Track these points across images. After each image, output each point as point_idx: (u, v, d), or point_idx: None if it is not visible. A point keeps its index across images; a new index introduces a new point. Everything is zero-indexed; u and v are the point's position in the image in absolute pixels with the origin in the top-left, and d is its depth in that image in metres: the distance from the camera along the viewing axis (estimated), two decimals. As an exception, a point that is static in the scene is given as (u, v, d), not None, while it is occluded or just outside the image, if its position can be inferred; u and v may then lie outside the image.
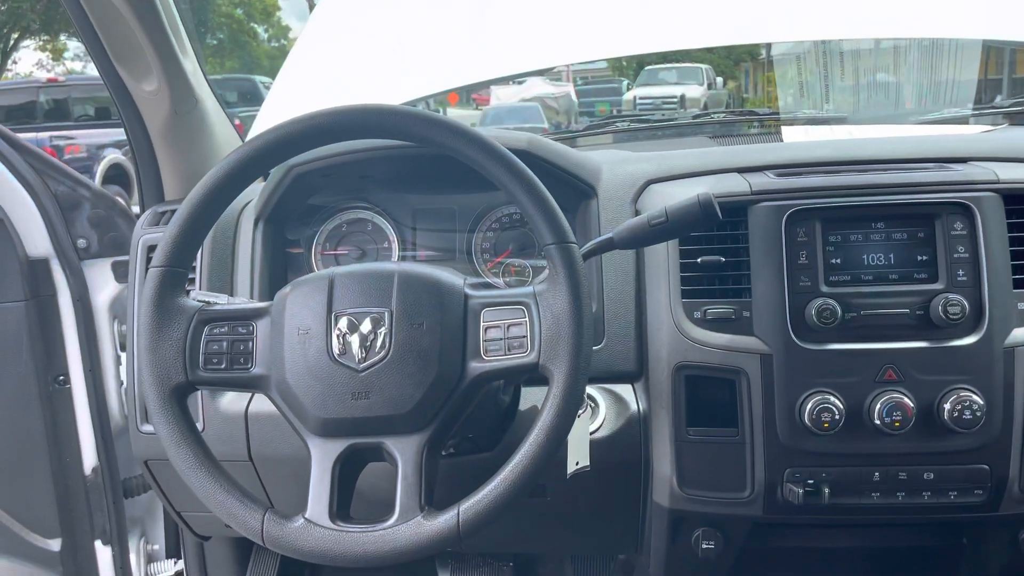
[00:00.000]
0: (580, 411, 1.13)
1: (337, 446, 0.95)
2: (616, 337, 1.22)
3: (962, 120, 1.62)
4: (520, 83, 16.57)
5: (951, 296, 1.07)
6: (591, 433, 1.18)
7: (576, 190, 1.27)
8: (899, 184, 1.13)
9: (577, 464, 1.14)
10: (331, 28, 2.04)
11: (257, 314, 0.99)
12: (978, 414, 1.06)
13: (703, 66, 17.36)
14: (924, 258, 1.11)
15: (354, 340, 0.95)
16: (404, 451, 0.95)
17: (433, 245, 1.37)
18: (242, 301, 1.11)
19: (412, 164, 1.30)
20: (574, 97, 16.83)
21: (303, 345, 0.96)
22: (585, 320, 0.93)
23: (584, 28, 1.98)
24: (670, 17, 1.94)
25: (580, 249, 0.99)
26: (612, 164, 1.29)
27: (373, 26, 2.00)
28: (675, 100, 14.79)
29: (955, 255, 1.09)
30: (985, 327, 1.07)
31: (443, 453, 1.14)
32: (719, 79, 17.77)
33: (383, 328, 0.95)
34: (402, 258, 1.37)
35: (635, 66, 20.14)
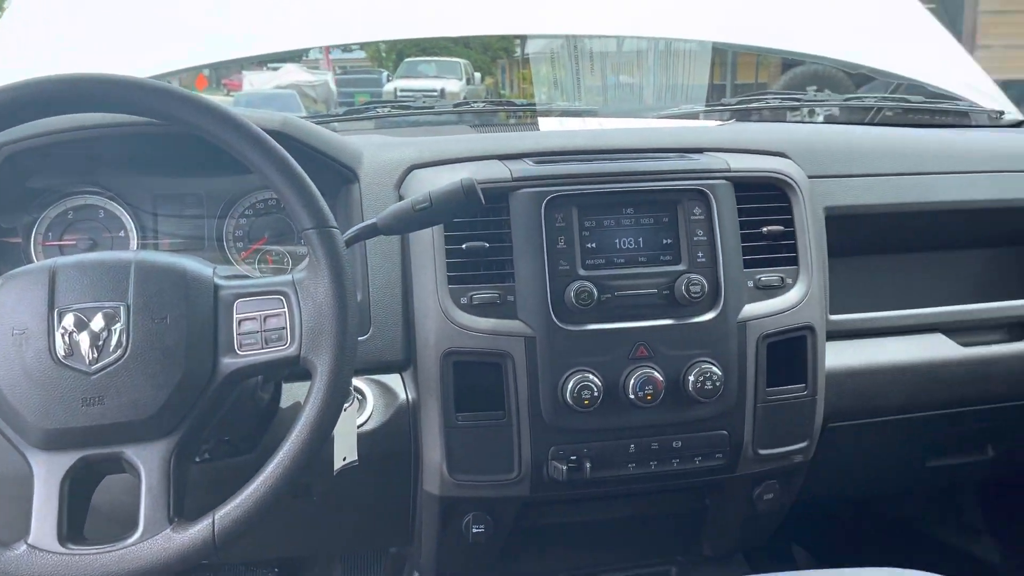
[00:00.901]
0: (347, 404, 1.10)
1: (65, 460, 0.84)
2: (383, 326, 1.19)
3: (695, 116, 1.77)
4: (275, 69, 15.92)
5: (692, 276, 1.15)
6: (359, 426, 1.14)
7: (336, 175, 1.22)
8: (646, 172, 1.19)
9: (344, 460, 1.10)
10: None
11: None
12: (717, 384, 1.15)
13: (461, 61, 17.72)
14: (668, 241, 1.18)
15: (83, 339, 0.84)
16: (148, 460, 0.85)
17: (178, 233, 1.26)
18: None
19: (151, 144, 1.18)
20: (333, 86, 16.46)
21: (18, 347, 0.83)
22: (349, 309, 0.89)
23: (338, 9, 1.92)
24: (427, 3, 1.93)
25: (343, 235, 0.95)
26: (374, 149, 1.26)
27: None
28: (435, 93, 14.96)
29: (695, 238, 1.18)
30: (721, 304, 1.17)
31: (196, 459, 1.05)
32: (477, 75, 18.22)
33: (118, 324, 0.85)
34: (142, 248, 1.24)
35: (395, 57, 20.11)
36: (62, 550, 0.82)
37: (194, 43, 1.82)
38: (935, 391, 1.33)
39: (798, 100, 1.82)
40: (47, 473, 0.84)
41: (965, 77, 1.95)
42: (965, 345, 1.34)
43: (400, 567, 1.61)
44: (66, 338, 0.84)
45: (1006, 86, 1.97)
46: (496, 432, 1.15)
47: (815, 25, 2.03)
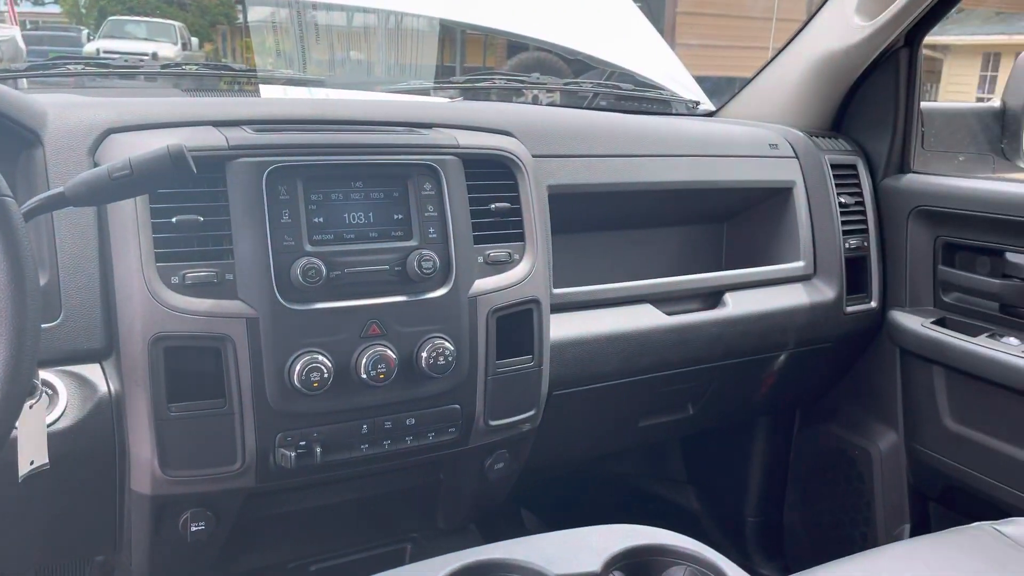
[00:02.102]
0: (31, 400, 0.95)
1: None
2: (76, 311, 1.05)
3: (425, 92, 1.76)
4: (-56, 20, 13.67)
5: (424, 252, 1.14)
6: (49, 425, 1.00)
7: (15, 136, 1.05)
8: (375, 145, 1.16)
9: (32, 464, 0.95)
10: None
11: None
12: (450, 359, 1.15)
13: (176, 23, 16.38)
14: (399, 216, 1.16)
15: None
16: None
17: None
18: None
19: None
20: (21, 44, 14.47)
21: None
22: (28, 289, 0.77)
23: None
24: None
25: (23, 205, 0.82)
26: (61, 108, 1.10)
27: None
28: (146, 56, 13.70)
29: (426, 213, 1.16)
30: (453, 279, 1.17)
31: None
32: (194, 40, 16.95)
33: None
34: None
35: (96, 15, 18.11)
36: None
37: None
38: (646, 356, 1.44)
39: (522, 82, 1.88)
40: None
41: (668, 70, 2.14)
42: (669, 314, 1.46)
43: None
44: None
45: (700, 81, 2.19)
46: (215, 422, 1.07)
47: (539, 11, 2.11)
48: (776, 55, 1.79)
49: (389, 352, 1.11)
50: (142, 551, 1.17)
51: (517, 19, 2.01)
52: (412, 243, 1.15)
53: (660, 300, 1.47)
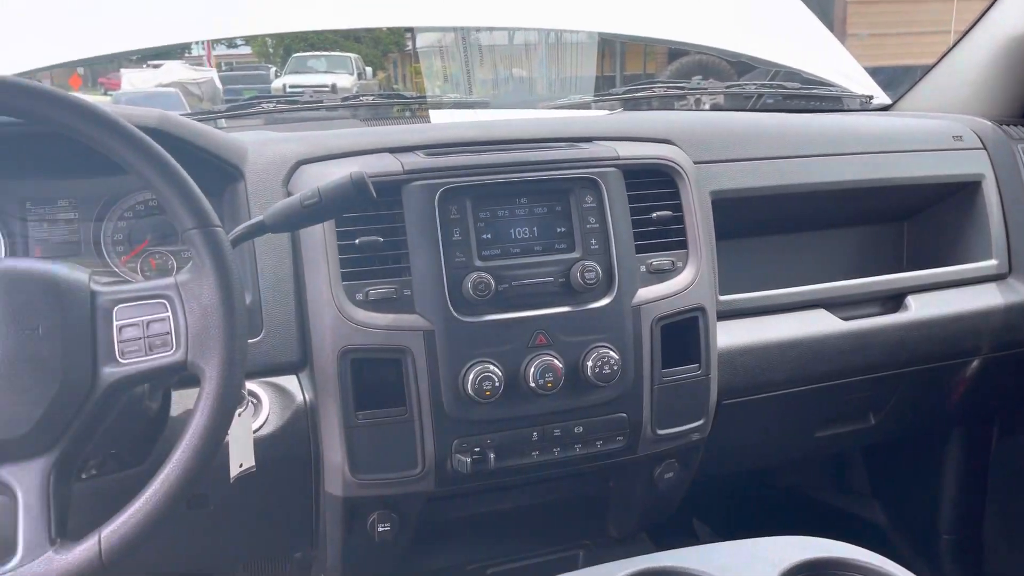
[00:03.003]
0: (240, 409, 1.06)
1: None
2: (276, 327, 1.16)
3: (585, 106, 1.79)
4: (156, 67, 15.26)
5: (587, 263, 1.17)
6: (255, 431, 1.11)
7: (220, 172, 1.17)
8: (537, 161, 1.20)
9: (241, 466, 1.06)
10: None
11: None
12: (615, 368, 1.17)
13: (352, 55, 17.42)
14: (562, 229, 1.19)
15: None
16: (24, 479, 0.80)
17: (51, 239, 1.19)
18: None
19: (16, 145, 1.11)
20: (219, 84, 15.92)
21: None
22: (237, 310, 0.86)
23: (220, 1, 1.85)
24: None
25: (229, 235, 0.92)
26: (259, 144, 1.22)
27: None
28: (326, 88, 14.64)
29: (587, 225, 1.19)
30: (616, 289, 1.18)
31: (83, 476, 1.00)
32: (368, 69, 17.95)
33: None
34: (11, 256, 1.16)
35: (282, 53, 19.59)
36: None
37: (64, 37, 1.72)
38: (820, 364, 1.39)
39: (682, 88, 1.87)
40: None
41: (837, 64, 2.05)
42: (845, 319, 1.40)
43: (306, 572, 1.57)
44: None
45: (874, 72, 2.08)
46: (398, 429, 1.14)
47: (698, 16, 2.09)
48: (959, 40, 1.68)
49: (556, 361, 1.15)
50: (335, 549, 1.27)
51: (675, 26, 2.00)
52: (575, 255, 1.18)
53: (835, 305, 1.42)
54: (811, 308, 1.40)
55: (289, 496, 1.23)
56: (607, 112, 1.71)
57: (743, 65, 2.29)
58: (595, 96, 1.83)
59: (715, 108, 1.97)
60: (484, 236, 1.16)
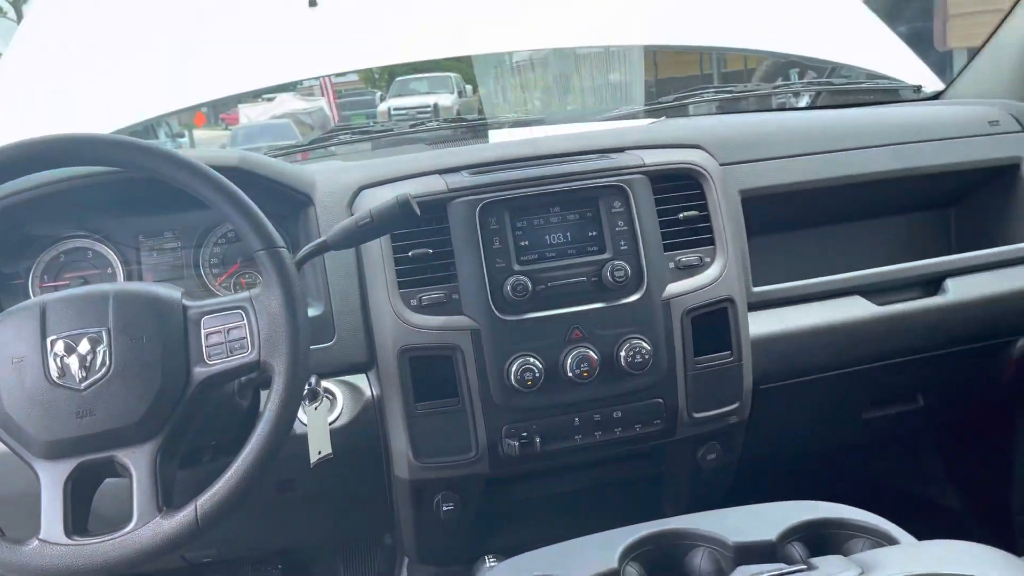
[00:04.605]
0: (316, 403, 1.24)
1: (66, 466, 0.98)
2: (346, 332, 1.33)
3: (634, 116, 1.90)
4: (270, 100, 16.16)
5: (616, 263, 1.29)
6: (331, 423, 1.28)
7: (293, 201, 1.36)
8: (568, 173, 1.33)
9: (320, 453, 1.24)
10: (40, 49, 1.97)
11: None
12: (647, 357, 1.28)
13: (452, 75, 17.87)
14: (593, 234, 1.31)
15: (72, 361, 0.98)
16: (137, 460, 0.99)
17: (160, 266, 1.41)
18: None
19: (130, 188, 1.33)
20: (328, 111, 16.66)
21: (19, 373, 0.98)
22: (299, 317, 1.03)
23: (326, 41, 2.06)
24: (412, 29, 2.08)
25: (298, 253, 1.09)
26: (326, 174, 1.40)
27: (89, 43, 1.96)
28: (429, 109, 15.13)
29: (616, 229, 1.31)
30: (645, 286, 1.30)
31: (202, 461, 1.18)
32: (468, 87, 18.37)
33: (102, 346, 0.99)
34: (128, 281, 1.39)
35: (387, 77, 20.29)
36: (69, 542, 0.96)
37: (188, 83, 1.97)
38: (856, 348, 1.45)
39: (730, 92, 1.95)
40: (51, 479, 0.98)
41: (891, 56, 2.08)
42: (881, 304, 1.46)
43: (392, 556, 1.75)
44: (58, 361, 0.98)
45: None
46: (453, 417, 1.29)
47: (746, 19, 2.16)
48: (998, 26, 1.70)
49: (591, 353, 1.27)
50: (408, 528, 1.43)
51: (724, 33, 2.08)
52: (606, 256, 1.30)
53: (871, 291, 1.48)
54: (846, 295, 1.47)
55: (365, 480, 1.39)
56: (653, 121, 1.81)
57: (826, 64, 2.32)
58: (645, 105, 1.94)
59: (780, 108, 2.04)
60: (522, 243, 1.30)
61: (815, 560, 0.83)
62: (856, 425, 1.61)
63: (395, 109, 15.71)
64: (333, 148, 1.87)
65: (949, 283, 1.49)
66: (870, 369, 1.48)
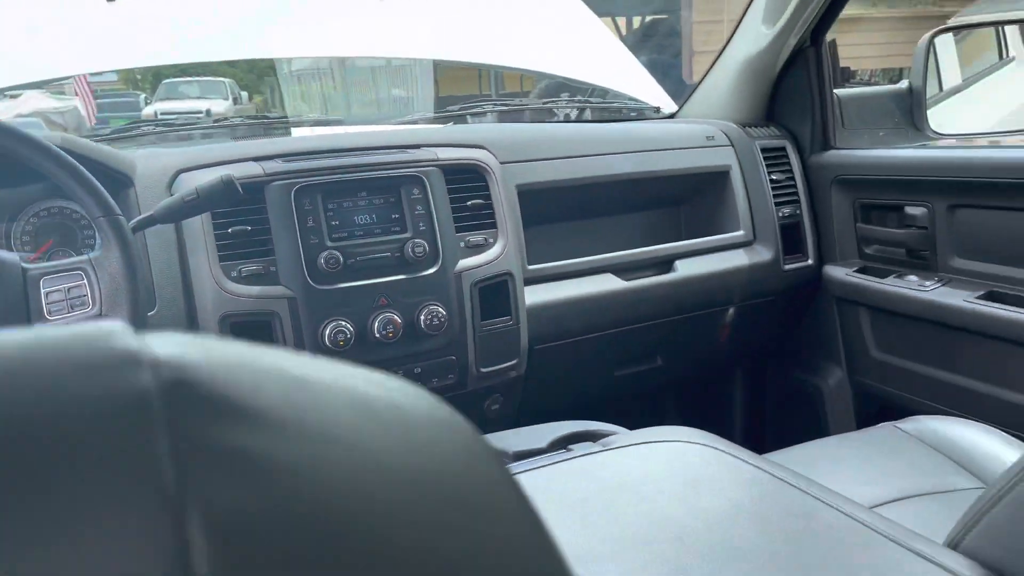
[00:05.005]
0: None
1: None
2: (167, 302, 1.44)
3: (426, 121, 2.14)
4: (13, 97, 14.71)
5: (416, 241, 1.51)
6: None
7: (114, 181, 1.45)
8: (374, 163, 1.54)
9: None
10: None
11: None
12: (443, 321, 1.51)
13: (226, 80, 17.22)
14: (396, 216, 1.53)
15: None
16: None
17: None
18: None
19: None
20: (83, 111, 15.42)
21: None
22: (139, 276, 1.16)
23: (81, 39, 2.09)
24: (176, 30, 2.16)
25: (128, 223, 1.21)
26: (145, 158, 1.51)
27: None
28: (200, 114, 14.42)
29: (416, 212, 1.53)
30: (441, 261, 1.53)
31: None
32: (244, 93, 17.79)
33: None
34: None
35: (152, 79, 19.11)
36: None
37: None
38: (607, 315, 1.78)
39: (507, 105, 2.25)
40: None
41: (637, 82, 2.49)
42: (627, 280, 1.80)
43: None
44: None
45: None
46: None
47: (522, 45, 2.49)
48: (714, 62, 2.13)
49: (395, 317, 1.48)
50: None
51: (499, 53, 2.39)
52: (407, 235, 1.52)
53: (620, 270, 1.82)
54: (600, 273, 1.79)
55: None
56: (441, 126, 2.07)
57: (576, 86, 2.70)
58: (434, 113, 2.19)
59: (551, 121, 2.37)
60: (333, 223, 1.48)
61: (571, 447, 1.10)
62: (610, 380, 1.95)
63: (163, 113, 14.78)
64: (138, 138, 1.94)
65: (678, 263, 1.86)
66: (620, 332, 1.82)
